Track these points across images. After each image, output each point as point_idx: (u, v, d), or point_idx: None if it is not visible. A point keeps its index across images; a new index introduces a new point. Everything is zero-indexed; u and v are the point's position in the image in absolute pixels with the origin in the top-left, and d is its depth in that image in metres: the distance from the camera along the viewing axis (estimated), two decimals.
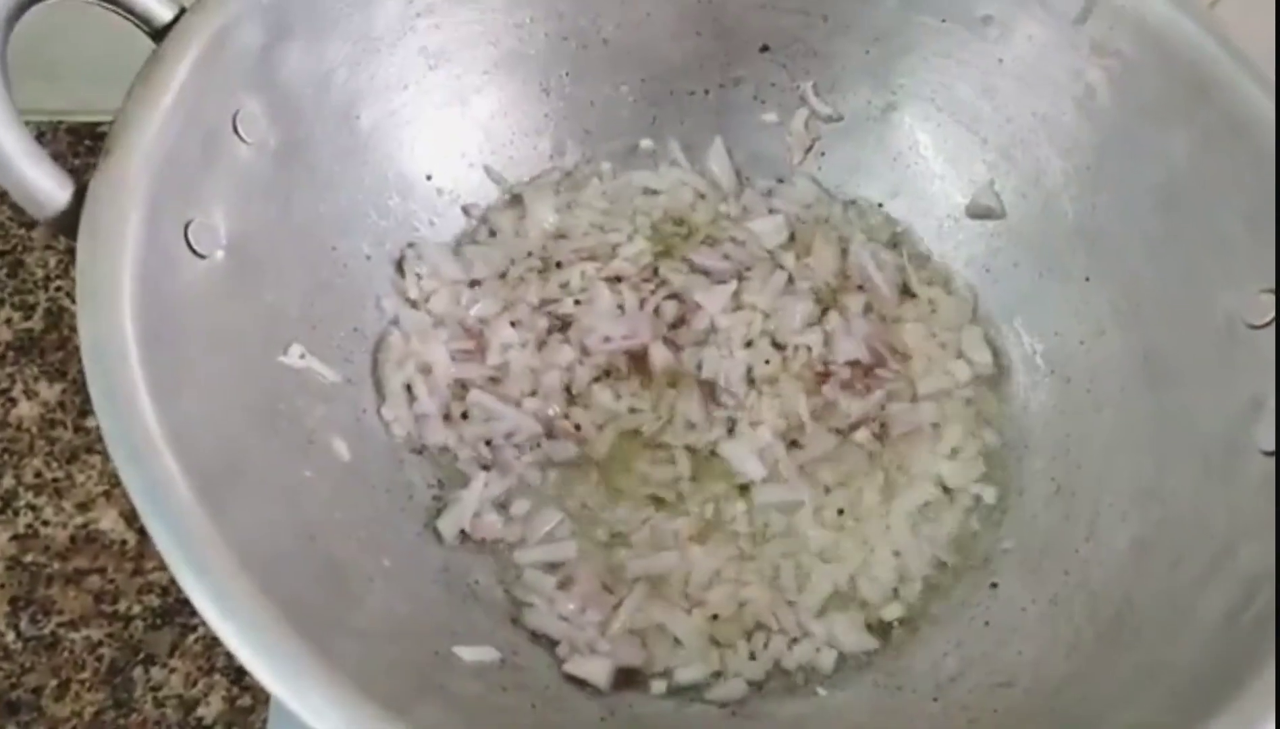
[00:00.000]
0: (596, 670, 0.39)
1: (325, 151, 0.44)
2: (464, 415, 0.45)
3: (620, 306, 0.49)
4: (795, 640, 0.42)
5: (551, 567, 0.42)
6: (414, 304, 0.47)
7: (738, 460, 0.45)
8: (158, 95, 0.36)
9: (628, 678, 0.40)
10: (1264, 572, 0.33)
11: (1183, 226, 0.42)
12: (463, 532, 0.43)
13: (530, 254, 0.50)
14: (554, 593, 0.41)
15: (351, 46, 0.44)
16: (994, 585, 0.42)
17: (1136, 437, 0.42)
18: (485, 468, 0.44)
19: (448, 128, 0.49)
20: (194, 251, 0.37)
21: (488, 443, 0.45)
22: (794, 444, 0.46)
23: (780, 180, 0.54)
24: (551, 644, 0.41)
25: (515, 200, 0.52)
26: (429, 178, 0.49)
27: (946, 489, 0.46)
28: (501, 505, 0.44)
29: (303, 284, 0.43)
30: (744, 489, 0.45)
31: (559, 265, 0.50)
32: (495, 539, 0.43)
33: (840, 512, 0.45)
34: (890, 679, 0.40)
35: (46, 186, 0.34)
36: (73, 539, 0.48)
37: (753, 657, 0.41)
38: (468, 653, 0.37)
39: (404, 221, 0.48)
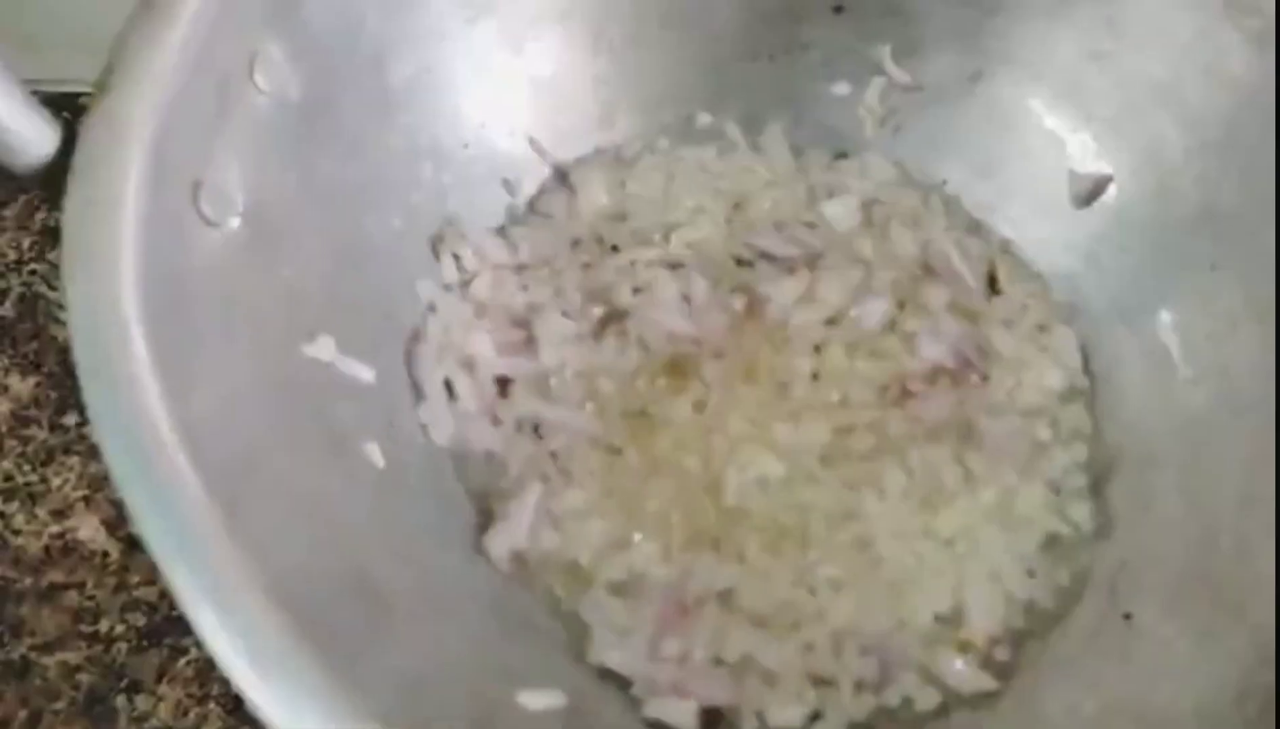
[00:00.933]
0: (682, 714, 0.34)
1: (352, 109, 0.38)
2: (518, 424, 0.39)
3: (685, 297, 0.43)
4: (892, 677, 0.36)
5: (618, 588, 0.37)
6: (452, 289, 0.41)
7: None
8: (165, 26, 0.31)
9: (712, 719, 0.35)
10: None
11: None
12: (515, 551, 0.37)
13: (580, 240, 0.45)
14: (625, 620, 0.36)
15: None
16: (1127, 616, 0.37)
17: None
18: (540, 478, 0.38)
19: (488, 89, 0.44)
20: (204, 218, 0.31)
21: (549, 450, 0.39)
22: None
23: (852, 157, 0.49)
24: (625, 684, 0.35)
25: (562, 178, 0.46)
26: (466, 146, 0.44)
27: (1045, 506, 0.41)
28: (558, 519, 0.38)
29: (327, 262, 0.37)
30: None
31: (615, 249, 0.44)
32: (553, 559, 0.37)
33: (925, 530, 0.39)
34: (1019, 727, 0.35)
35: (26, 129, 0.29)
36: (47, 551, 0.44)
37: (859, 689, 0.36)
38: (530, 699, 0.31)
39: (439, 195, 0.43)
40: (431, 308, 0.41)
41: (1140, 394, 0.42)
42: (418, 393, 0.39)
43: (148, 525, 0.24)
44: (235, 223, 0.32)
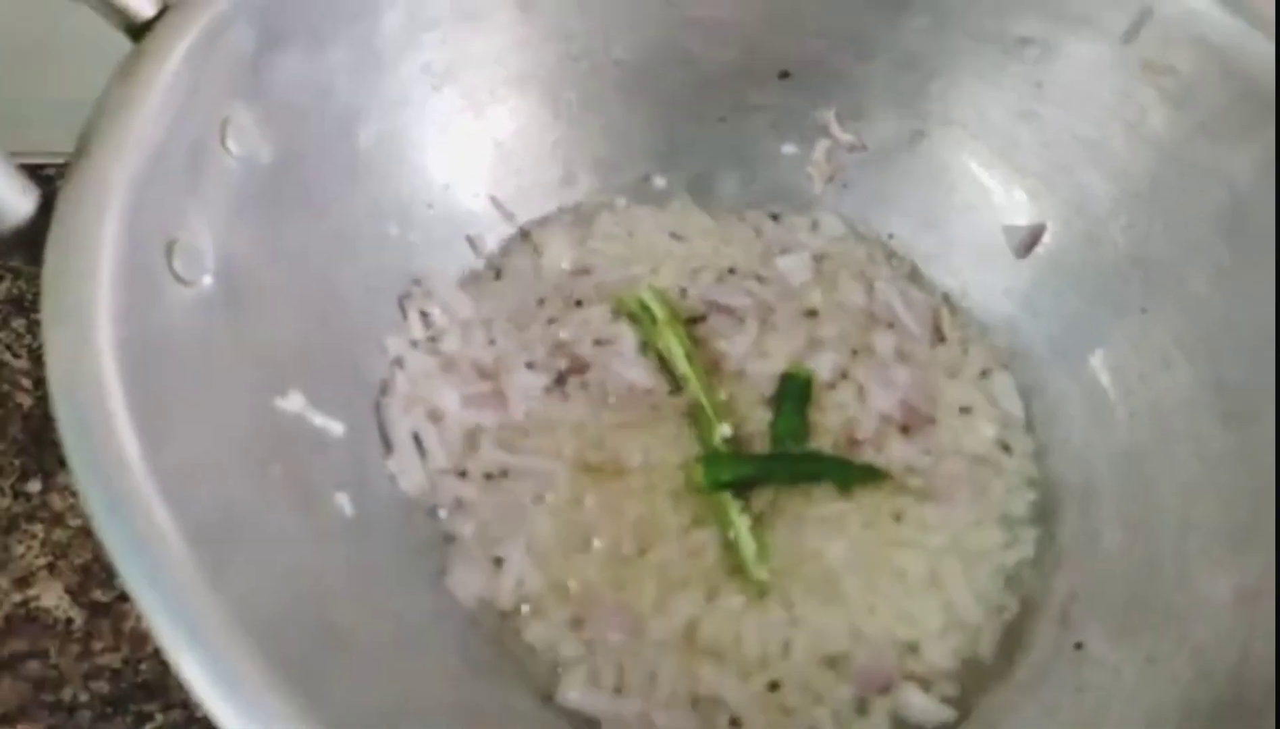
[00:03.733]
0: None
1: (321, 171, 0.40)
2: (485, 474, 0.40)
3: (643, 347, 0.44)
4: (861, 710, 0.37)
5: (578, 623, 0.37)
6: (419, 345, 0.42)
7: None
8: (140, 93, 0.32)
9: None
10: None
11: (1252, 251, 0.39)
12: (480, 596, 0.37)
13: (545, 298, 0.46)
14: (590, 662, 0.36)
15: (352, 57, 0.40)
16: (1078, 645, 0.38)
17: (1219, 475, 0.38)
18: (506, 524, 0.39)
19: (452, 152, 0.45)
20: (178, 277, 0.32)
21: (514, 498, 0.39)
22: None
23: (802, 214, 0.51)
24: (594, 723, 0.35)
25: (525, 237, 0.47)
26: (430, 207, 0.45)
27: (995, 543, 0.42)
28: (523, 562, 0.38)
29: (296, 318, 0.38)
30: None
31: (579, 304, 0.45)
32: (518, 606, 0.38)
33: (883, 568, 0.41)
34: None
35: (4, 192, 0.29)
36: (9, 620, 0.43)
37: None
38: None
39: (405, 253, 0.44)
40: (399, 362, 0.42)
41: (1080, 431, 0.44)
42: (387, 445, 0.40)
43: (127, 572, 0.24)
44: (208, 281, 0.33)
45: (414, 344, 0.43)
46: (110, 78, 0.32)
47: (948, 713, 0.37)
